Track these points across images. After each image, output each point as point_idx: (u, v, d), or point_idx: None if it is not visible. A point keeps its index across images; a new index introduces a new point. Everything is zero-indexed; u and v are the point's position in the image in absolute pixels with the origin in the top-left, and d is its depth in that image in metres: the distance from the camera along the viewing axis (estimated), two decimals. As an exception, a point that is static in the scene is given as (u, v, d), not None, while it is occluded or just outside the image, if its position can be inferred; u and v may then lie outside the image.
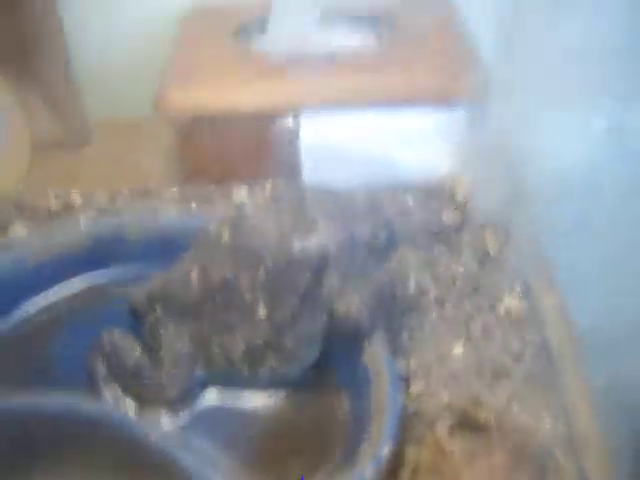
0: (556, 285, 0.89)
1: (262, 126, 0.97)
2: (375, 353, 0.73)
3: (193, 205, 0.96)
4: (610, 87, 0.72)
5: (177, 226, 0.83)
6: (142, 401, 0.74)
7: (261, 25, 1.06)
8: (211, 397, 0.75)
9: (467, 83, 0.98)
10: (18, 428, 0.68)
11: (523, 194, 0.93)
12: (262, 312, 0.72)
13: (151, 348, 0.74)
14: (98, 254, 0.83)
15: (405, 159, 0.98)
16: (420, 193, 0.96)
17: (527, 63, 0.90)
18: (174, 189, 0.98)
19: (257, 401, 0.75)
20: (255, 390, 0.75)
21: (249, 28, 1.08)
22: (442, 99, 0.98)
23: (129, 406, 0.73)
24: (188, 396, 0.74)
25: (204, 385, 0.75)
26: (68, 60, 1.12)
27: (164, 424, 0.73)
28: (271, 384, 0.75)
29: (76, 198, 0.99)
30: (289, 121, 0.97)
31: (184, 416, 0.74)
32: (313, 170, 0.97)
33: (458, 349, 0.81)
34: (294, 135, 0.97)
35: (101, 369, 0.75)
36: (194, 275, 0.73)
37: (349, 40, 1.07)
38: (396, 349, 0.79)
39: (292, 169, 0.97)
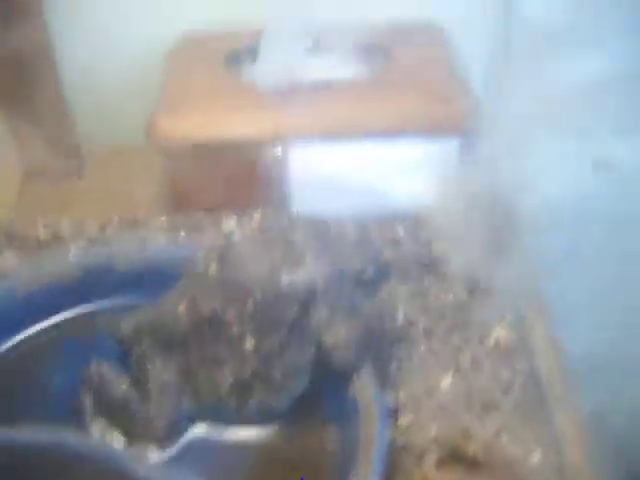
0: (546, 315, 0.89)
1: (252, 155, 0.97)
2: (363, 386, 0.72)
3: (182, 234, 0.96)
4: (599, 121, 0.72)
5: (165, 257, 0.83)
6: (130, 434, 0.73)
7: (252, 54, 1.07)
8: (199, 430, 0.74)
9: (459, 114, 0.99)
10: (5, 461, 0.67)
11: (513, 224, 0.93)
12: (250, 344, 0.72)
13: (138, 381, 0.74)
14: (87, 285, 0.83)
15: (396, 189, 0.98)
16: (411, 224, 0.96)
17: (517, 95, 0.91)
18: (163, 218, 0.98)
19: (245, 434, 0.74)
20: (243, 423, 0.74)
21: (240, 57, 1.08)
22: (434, 129, 0.98)
23: (117, 439, 0.73)
24: (176, 430, 0.74)
25: (192, 418, 0.75)
26: (61, 88, 1.12)
27: (152, 458, 0.72)
28: (259, 417, 0.74)
29: (66, 227, 0.99)
30: (279, 150, 0.97)
31: (172, 450, 0.73)
32: (302, 200, 0.97)
33: (447, 381, 0.81)
34: (284, 164, 0.97)
35: (88, 402, 0.74)
36: (182, 307, 0.73)
37: (340, 70, 1.07)
38: (385, 381, 0.79)
39: (281, 199, 0.97)
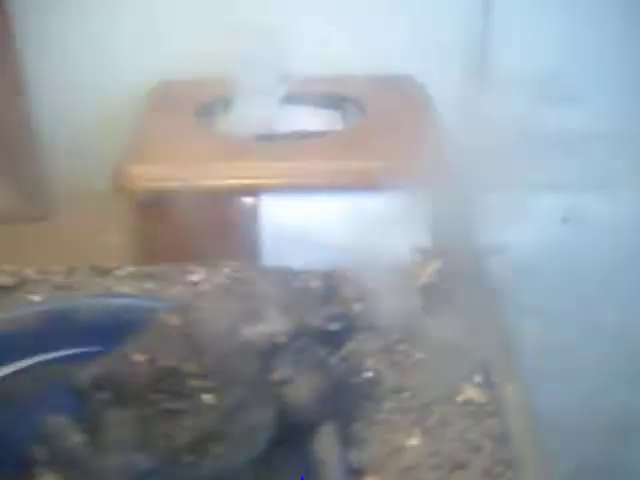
0: (516, 375, 0.87)
1: (222, 206, 0.96)
2: (326, 445, 0.70)
3: (149, 285, 0.94)
4: (570, 175, 0.71)
5: (128, 308, 0.81)
6: (81, 492, 0.70)
7: (224, 104, 1.06)
8: (153, 488, 0.72)
9: (433, 167, 0.97)
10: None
11: (485, 279, 0.92)
12: (209, 400, 0.69)
13: (93, 434, 0.71)
14: (46, 334, 0.81)
15: (369, 242, 0.97)
16: (383, 277, 0.95)
17: (490, 146, 0.90)
18: (130, 268, 0.96)
19: (201, 494, 0.71)
20: (199, 481, 0.72)
21: (212, 106, 1.07)
22: (409, 181, 0.97)
23: (67, 497, 0.70)
24: (129, 487, 0.71)
25: (146, 475, 0.72)
26: (31, 133, 1.11)
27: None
28: (216, 476, 0.72)
29: (31, 274, 0.97)
30: (250, 202, 0.96)
31: (123, 509, 0.70)
32: (273, 253, 0.95)
33: (414, 441, 0.79)
34: (255, 216, 0.96)
35: (39, 455, 0.71)
36: (141, 359, 0.71)
37: (314, 121, 1.06)
38: (349, 440, 0.76)
39: (252, 251, 0.96)
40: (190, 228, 0.97)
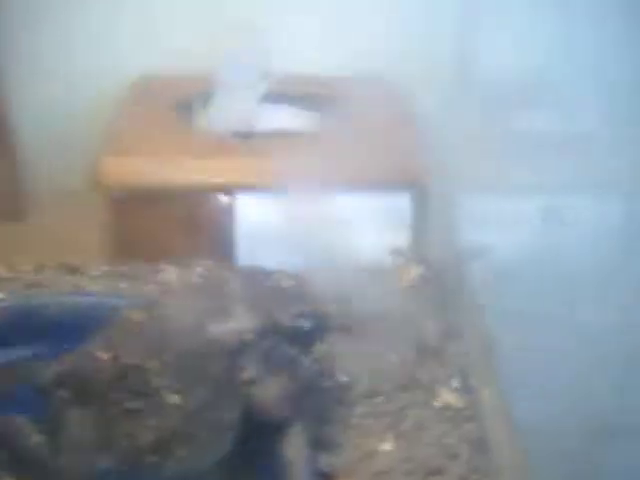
0: (497, 379, 0.84)
1: (198, 204, 0.94)
2: (293, 448, 0.67)
3: (120, 283, 0.91)
4: (549, 177, 0.69)
5: (94, 305, 0.78)
6: (38, 494, 0.68)
7: (204, 100, 1.03)
8: (114, 490, 0.69)
9: (411, 167, 0.96)
10: None
11: (465, 282, 0.90)
12: (173, 399, 0.67)
13: (54, 433, 0.69)
14: (10, 331, 0.78)
15: (347, 242, 0.95)
16: (357, 278, 0.92)
17: (470, 149, 0.88)
18: (103, 266, 0.94)
19: (164, 497, 0.69)
20: (163, 483, 0.69)
21: (193, 101, 1.05)
22: (386, 183, 0.95)
23: (24, 499, 0.68)
24: (89, 489, 0.68)
25: (107, 476, 0.69)
26: (9, 133, 1.08)
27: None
28: (180, 477, 0.69)
29: (1, 271, 0.95)
30: (225, 200, 0.93)
31: (83, 511, 0.68)
32: (248, 252, 0.93)
33: (387, 446, 0.76)
34: (230, 214, 0.93)
35: (-2, 456, 0.69)
36: (104, 357, 0.68)
37: (294, 120, 1.04)
38: (320, 444, 0.74)
39: (227, 249, 0.93)
40: (164, 225, 0.95)
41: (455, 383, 0.83)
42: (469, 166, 0.89)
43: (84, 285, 0.91)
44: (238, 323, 0.67)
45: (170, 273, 0.91)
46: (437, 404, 0.81)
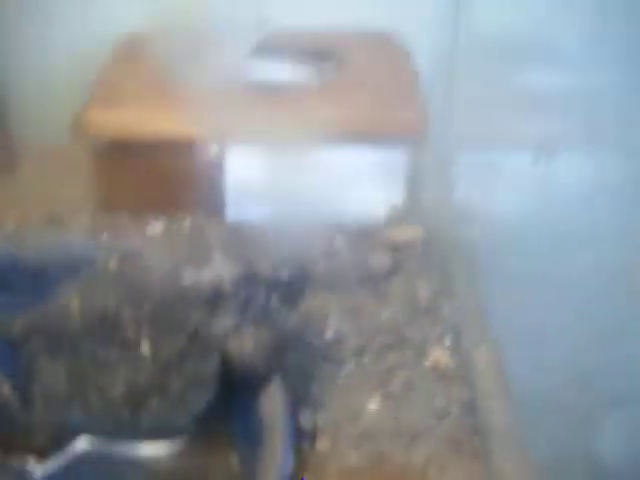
0: (491, 340, 0.81)
1: (186, 156, 0.90)
2: (271, 403, 0.64)
3: (103, 236, 0.88)
4: (546, 131, 0.66)
5: (66, 255, 0.75)
6: (7, 445, 0.65)
7: (196, 52, 1.00)
8: (86, 444, 0.66)
9: (409, 121, 0.92)
10: None
11: (460, 240, 0.86)
12: (146, 349, 0.64)
13: (24, 385, 0.66)
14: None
15: (340, 198, 0.91)
16: (351, 235, 0.89)
17: (466, 103, 0.84)
18: (85, 218, 0.91)
19: (138, 451, 0.66)
20: (136, 439, 0.66)
21: (183, 56, 1.01)
22: (383, 136, 0.91)
23: (-8, 451, 0.65)
24: (59, 441, 0.66)
25: (79, 430, 0.66)
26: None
27: (31, 472, 0.64)
28: (155, 433, 0.66)
29: (-18, 225, 0.92)
30: (215, 152, 0.90)
31: (54, 464, 0.65)
32: (238, 205, 0.90)
33: (373, 405, 0.73)
34: (219, 168, 0.90)
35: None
36: (75, 306, 0.66)
37: (289, 73, 1.00)
38: (303, 401, 0.71)
39: (216, 203, 0.90)
40: (151, 178, 0.92)
41: (447, 342, 0.80)
42: (468, 122, 0.86)
43: (66, 238, 0.87)
44: (215, 272, 0.63)
45: (156, 227, 0.88)
46: (427, 364, 0.78)
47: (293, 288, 0.68)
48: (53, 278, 0.71)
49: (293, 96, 0.96)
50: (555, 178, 0.66)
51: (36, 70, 1.14)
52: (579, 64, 0.67)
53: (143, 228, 0.89)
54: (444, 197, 0.89)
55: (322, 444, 0.69)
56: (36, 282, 0.73)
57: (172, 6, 1.06)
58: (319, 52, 1.03)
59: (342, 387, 0.74)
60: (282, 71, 1.01)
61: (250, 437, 0.64)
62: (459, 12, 0.93)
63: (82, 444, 0.67)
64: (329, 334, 0.79)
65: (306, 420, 0.70)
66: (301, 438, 0.68)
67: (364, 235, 0.89)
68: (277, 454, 0.60)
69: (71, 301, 0.66)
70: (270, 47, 1.03)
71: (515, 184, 0.73)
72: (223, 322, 0.64)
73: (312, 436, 0.69)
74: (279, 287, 0.67)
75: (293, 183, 0.91)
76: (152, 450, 0.66)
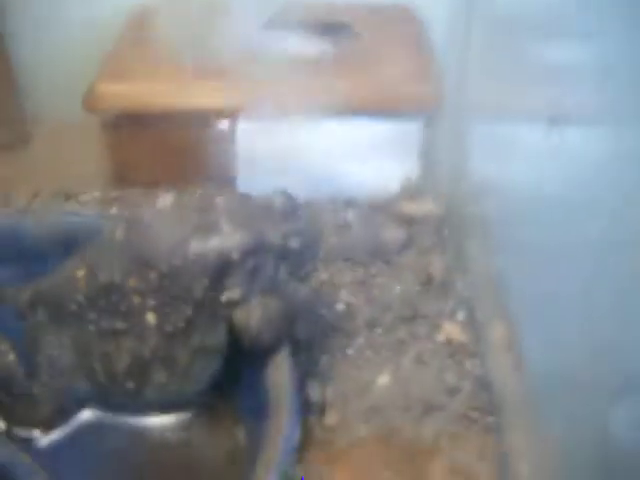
0: (505, 315, 0.80)
1: (197, 128, 0.89)
2: (278, 375, 0.63)
3: (114, 209, 0.88)
4: (563, 107, 0.64)
5: (74, 226, 0.74)
6: (11, 416, 0.64)
7: (209, 24, 0.99)
8: (91, 415, 0.66)
9: (424, 94, 0.90)
10: None
11: (474, 214, 0.85)
12: (152, 320, 0.63)
13: (29, 355, 0.65)
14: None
15: (353, 171, 0.90)
16: (364, 208, 0.88)
17: (481, 76, 0.82)
18: (96, 192, 0.90)
19: (143, 423, 0.65)
20: (142, 410, 0.65)
21: (194, 29, 1.00)
22: (397, 109, 0.90)
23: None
24: (64, 412, 0.65)
25: (84, 401, 0.66)
26: (9, 61, 1.04)
27: (35, 443, 0.64)
28: (160, 404, 0.65)
29: (-7, 200, 0.92)
30: (226, 124, 0.89)
31: (58, 435, 0.64)
32: (249, 178, 0.89)
33: (384, 379, 0.72)
34: (231, 140, 0.89)
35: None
36: (80, 276, 0.65)
37: (303, 46, 0.99)
38: (313, 374, 0.70)
39: (227, 175, 0.89)
40: (162, 150, 0.91)
41: (460, 317, 0.78)
42: (483, 93, 0.84)
43: (76, 211, 0.87)
44: (223, 240, 0.62)
45: (166, 199, 0.87)
46: (440, 338, 0.76)
47: (304, 259, 0.66)
48: (59, 249, 0.70)
49: (307, 68, 0.95)
50: (569, 150, 0.64)
51: (50, 43, 1.14)
52: (595, 37, 0.65)
53: (153, 201, 0.88)
54: (458, 170, 0.88)
55: (331, 417, 0.68)
56: (41, 253, 0.72)
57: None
58: (334, 24, 1.01)
59: (352, 360, 0.73)
60: (296, 43, 0.99)
61: (257, 409, 0.63)
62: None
63: (87, 415, 0.66)
64: (340, 306, 0.78)
65: (314, 393, 0.69)
66: (309, 411, 0.67)
67: (378, 208, 0.88)
68: (284, 426, 0.59)
69: (77, 271, 0.65)
70: (285, 19, 1.02)
71: (529, 156, 0.71)
72: (230, 292, 0.63)
73: (320, 409, 0.68)
74: (289, 257, 0.65)
75: (306, 155, 0.90)
76: (157, 422, 0.66)
